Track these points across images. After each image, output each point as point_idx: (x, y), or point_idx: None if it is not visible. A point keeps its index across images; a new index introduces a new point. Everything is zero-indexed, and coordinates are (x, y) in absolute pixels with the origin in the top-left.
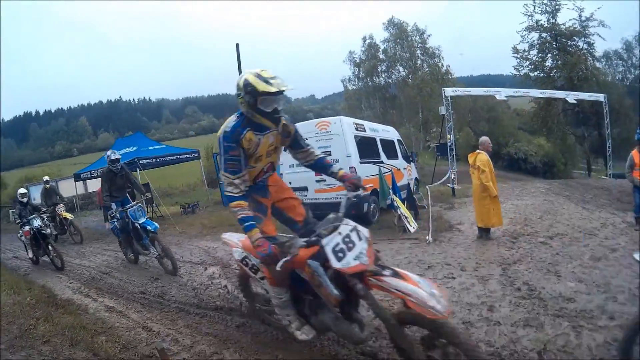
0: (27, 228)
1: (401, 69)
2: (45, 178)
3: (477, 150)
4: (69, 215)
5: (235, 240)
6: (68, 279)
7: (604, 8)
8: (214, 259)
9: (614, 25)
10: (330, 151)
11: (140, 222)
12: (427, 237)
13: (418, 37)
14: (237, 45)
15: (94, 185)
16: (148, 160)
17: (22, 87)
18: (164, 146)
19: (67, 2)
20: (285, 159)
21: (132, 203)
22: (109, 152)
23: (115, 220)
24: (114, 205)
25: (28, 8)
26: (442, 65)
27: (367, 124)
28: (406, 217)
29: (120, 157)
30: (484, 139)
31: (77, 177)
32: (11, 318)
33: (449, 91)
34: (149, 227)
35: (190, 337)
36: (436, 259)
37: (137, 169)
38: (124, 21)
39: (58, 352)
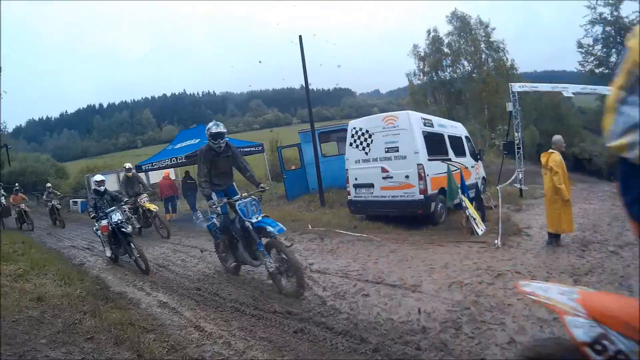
0: (104, 222)
1: (466, 63)
2: (127, 165)
3: (550, 150)
4: (153, 207)
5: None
6: (123, 271)
7: None
8: None
9: None
10: (397, 147)
11: (252, 220)
12: (496, 241)
13: (482, 30)
14: (300, 37)
15: (156, 177)
16: None
17: (84, 80)
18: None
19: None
20: (351, 154)
21: (244, 194)
22: (210, 124)
23: (215, 215)
24: (214, 196)
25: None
26: (507, 59)
27: (435, 119)
28: (474, 219)
29: (225, 131)
30: (557, 137)
31: (139, 169)
32: (57, 311)
33: (516, 87)
34: (269, 229)
35: (244, 340)
36: (505, 266)
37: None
38: (187, 18)
39: (101, 350)
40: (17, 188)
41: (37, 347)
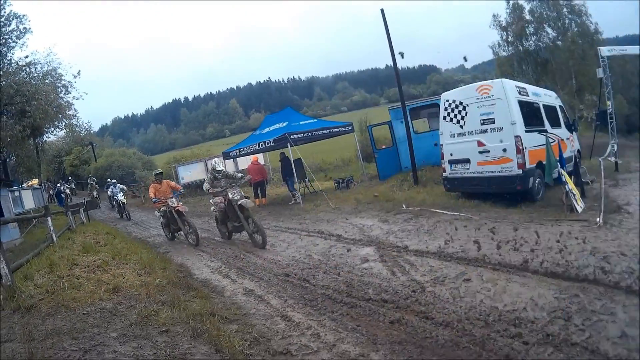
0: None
1: (549, 30)
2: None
3: None
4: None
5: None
6: (209, 258)
7: None
8: (368, 239)
9: None
10: (493, 118)
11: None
12: (598, 219)
13: None
14: (382, 11)
15: (244, 162)
16: (299, 135)
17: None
18: (315, 120)
19: None
20: (445, 128)
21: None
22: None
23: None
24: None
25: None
26: (591, 23)
27: (529, 88)
28: (574, 195)
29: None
30: None
31: (226, 156)
32: (133, 302)
33: (605, 50)
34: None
35: (335, 332)
36: (610, 247)
37: (289, 145)
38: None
39: (175, 344)
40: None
41: (106, 341)
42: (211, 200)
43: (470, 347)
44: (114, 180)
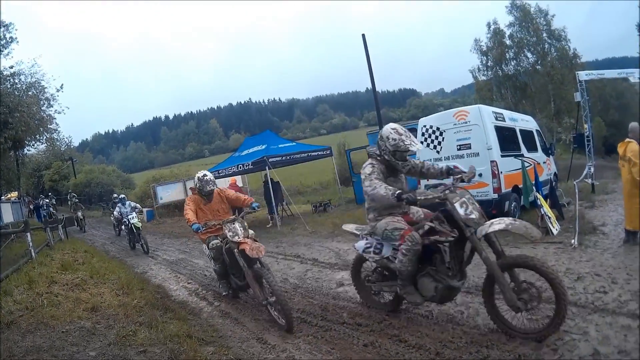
0: None
1: (529, 54)
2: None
3: (627, 139)
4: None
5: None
6: (186, 280)
7: None
8: (344, 263)
9: None
10: (469, 144)
11: None
12: (573, 241)
13: (542, 18)
14: (364, 36)
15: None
16: (278, 159)
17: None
18: (294, 144)
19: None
20: (422, 154)
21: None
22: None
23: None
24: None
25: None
26: (569, 48)
27: (506, 113)
28: (549, 218)
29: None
30: (634, 125)
31: None
32: (112, 322)
33: (583, 75)
34: None
35: (309, 354)
36: (584, 268)
37: (267, 168)
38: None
39: None
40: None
41: (85, 359)
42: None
43: None
44: (122, 196)
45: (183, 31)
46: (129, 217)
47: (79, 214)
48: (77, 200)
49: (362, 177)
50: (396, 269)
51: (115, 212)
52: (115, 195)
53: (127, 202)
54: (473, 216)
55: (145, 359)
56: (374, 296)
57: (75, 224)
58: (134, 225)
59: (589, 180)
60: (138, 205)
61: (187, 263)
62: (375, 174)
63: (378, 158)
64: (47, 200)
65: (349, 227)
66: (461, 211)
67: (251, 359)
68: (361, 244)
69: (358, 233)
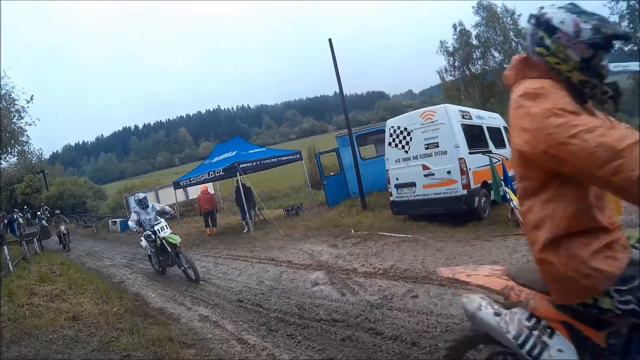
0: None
1: (496, 54)
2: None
3: None
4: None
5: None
6: (164, 287)
7: None
8: (318, 263)
9: None
10: (437, 142)
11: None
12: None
13: (509, 18)
14: (330, 40)
15: (194, 192)
16: (248, 164)
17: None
18: (264, 149)
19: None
20: (391, 154)
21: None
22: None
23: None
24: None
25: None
26: None
27: (472, 112)
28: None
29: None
30: None
31: (176, 185)
32: (93, 329)
33: None
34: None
35: (289, 351)
36: None
37: (238, 174)
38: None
39: None
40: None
41: None
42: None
43: (419, 357)
44: (142, 196)
45: (151, 39)
46: (156, 227)
47: (62, 228)
48: (58, 212)
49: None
50: None
51: (131, 224)
52: (138, 195)
53: (150, 205)
54: (163, 233)
55: None
56: None
57: (58, 241)
58: (167, 241)
59: None
60: (167, 207)
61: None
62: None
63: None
64: (21, 214)
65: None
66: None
67: (233, 359)
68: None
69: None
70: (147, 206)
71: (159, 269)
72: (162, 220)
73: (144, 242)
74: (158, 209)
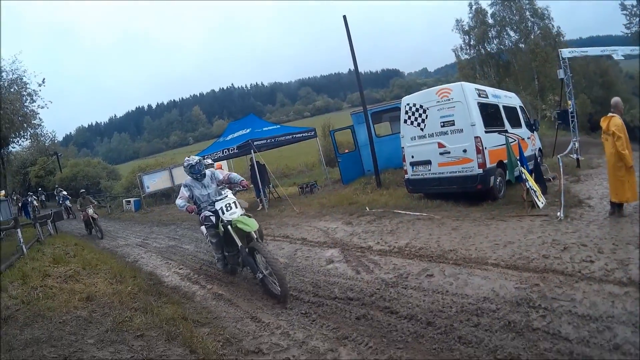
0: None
1: (512, 33)
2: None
3: (610, 114)
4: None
5: None
6: (178, 266)
7: None
8: (333, 241)
9: None
10: (453, 120)
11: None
12: (559, 214)
13: None
14: (345, 17)
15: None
16: (263, 142)
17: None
18: (278, 126)
19: None
20: (406, 131)
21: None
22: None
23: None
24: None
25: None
26: (553, 26)
27: (489, 90)
28: (535, 191)
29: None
30: (617, 100)
31: None
32: (107, 309)
33: (566, 52)
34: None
35: (304, 330)
36: (571, 239)
37: (252, 151)
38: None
39: (151, 347)
40: None
41: (84, 347)
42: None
43: (434, 337)
44: (196, 159)
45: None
46: (218, 205)
47: (90, 211)
48: (83, 191)
49: None
50: None
51: (179, 202)
52: (187, 161)
53: (209, 174)
54: (231, 216)
55: (143, 342)
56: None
57: (85, 227)
58: (236, 228)
59: (574, 156)
60: (235, 174)
61: (177, 250)
62: None
63: None
64: (35, 197)
65: None
66: (222, 212)
67: (246, 337)
68: None
69: None
70: (204, 175)
71: (225, 267)
72: (229, 193)
73: (203, 228)
74: (221, 177)
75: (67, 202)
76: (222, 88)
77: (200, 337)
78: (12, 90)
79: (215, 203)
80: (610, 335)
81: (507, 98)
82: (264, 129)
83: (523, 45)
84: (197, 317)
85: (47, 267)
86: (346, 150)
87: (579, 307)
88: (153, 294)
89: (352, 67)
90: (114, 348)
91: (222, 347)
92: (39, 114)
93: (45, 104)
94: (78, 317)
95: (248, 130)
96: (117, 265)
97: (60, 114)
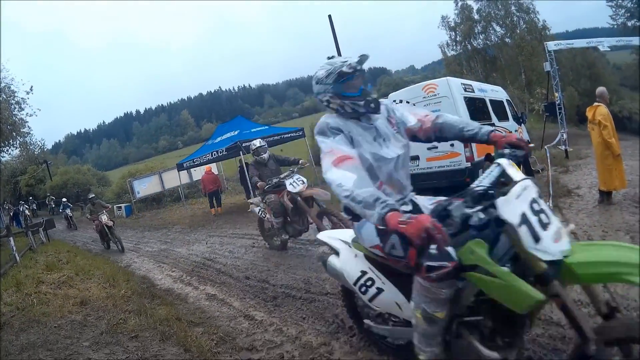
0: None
1: (498, 28)
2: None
3: (595, 103)
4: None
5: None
6: (171, 269)
7: None
8: None
9: None
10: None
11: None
12: (548, 203)
13: None
14: (330, 17)
15: (198, 174)
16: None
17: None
18: (266, 127)
19: None
20: None
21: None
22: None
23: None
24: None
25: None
26: (539, 20)
27: (475, 84)
28: None
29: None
30: (602, 89)
31: (180, 167)
32: (101, 313)
33: (552, 45)
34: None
35: (296, 326)
36: None
37: (241, 153)
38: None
39: (146, 347)
40: None
41: (80, 350)
42: (253, 201)
43: None
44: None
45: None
46: (288, 182)
47: (104, 218)
48: (93, 196)
49: None
50: None
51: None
52: (252, 144)
53: (268, 155)
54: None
55: (137, 343)
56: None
57: (101, 240)
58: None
59: (562, 147)
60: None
61: (169, 253)
62: None
63: None
64: (27, 206)
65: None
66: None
67: (240, 335)
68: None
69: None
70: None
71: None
72: (293, 179)
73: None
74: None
75: (68, 211)
76: (210, 91)
77: (194, 337)
78: (0, 98)
79: (286, 179)
80: None
81: (493, 92)
82: (252, 130)
83: (509, 40)
84: (191, 317)
85: (40, 274)
86: None
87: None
88: (146, 297)
89: None
90: (109, 349)
91: (216, 346)
92: (27, 122)
93: (34, 112)
94: (73, 321)
95: (236, 132)
96: (110, 269)
97: (49, 121)
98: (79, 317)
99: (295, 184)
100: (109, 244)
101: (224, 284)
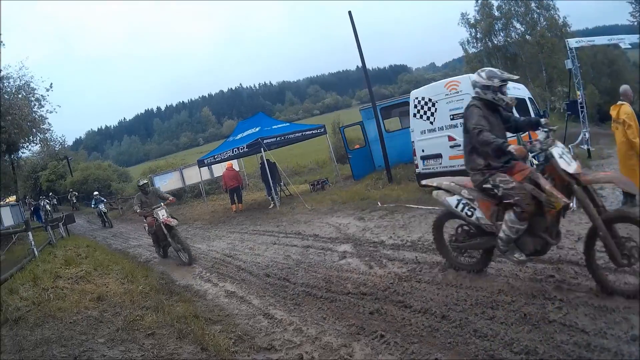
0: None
1: (518, 25)
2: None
3: (619, 102)
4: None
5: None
6: (190, 265)
7: None
8: (345, 236)
9: None
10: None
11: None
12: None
13: None
14: (350, 13)
15: (219, 170)
16: (272, 140)
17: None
18: (287, 124)
19: None
20: (416, 125)
21: None
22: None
23: None
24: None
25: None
26: (559, 17)
27: None
28: None
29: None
30: (625, 87)
31: (200, 163)
32: (118, 309)
33: (573, 42)
34: None
35: (317, 325)
36: (585, 230)
37: (262, 150)
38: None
39: (162, 345)
40: None
41: (95, 346)
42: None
43: (449, 331)
44: None
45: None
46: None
47: (163, 213)
48: (146, 184)
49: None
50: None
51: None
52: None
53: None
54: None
55: (153, 341)
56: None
57: (156, 246)
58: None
59: (585, 146)
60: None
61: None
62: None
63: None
64: (47, 200)
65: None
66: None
67: (259, 334)
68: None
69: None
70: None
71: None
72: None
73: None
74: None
75: (102, 206)
76: (231, 88)
77: (212, 335)
78: (19, 96)
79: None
80: (627, 327)
81: (515, 90)
82: (274, 127)
83: (529, 37)
84: (209, 314)
85: (58, 268)
86: (356, 146)
87: (595, 299)
88: (165, 293)
89: (360, 64)
90: (124, 347)
91: (234, 345)
92: (47, 118)
93: (54, 109)
94: (89, 317)
95: (257, 129)
96: (129, 265)
97: (70, 118)
98: (95, 312)
99: (159, 212)
100: (167, 250)
101: (243, 281)
